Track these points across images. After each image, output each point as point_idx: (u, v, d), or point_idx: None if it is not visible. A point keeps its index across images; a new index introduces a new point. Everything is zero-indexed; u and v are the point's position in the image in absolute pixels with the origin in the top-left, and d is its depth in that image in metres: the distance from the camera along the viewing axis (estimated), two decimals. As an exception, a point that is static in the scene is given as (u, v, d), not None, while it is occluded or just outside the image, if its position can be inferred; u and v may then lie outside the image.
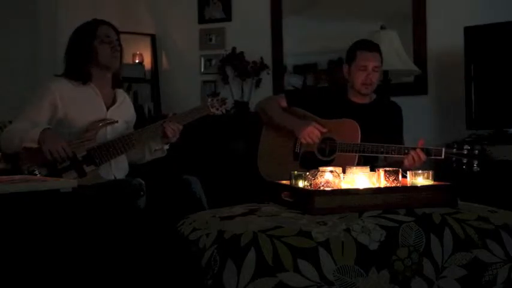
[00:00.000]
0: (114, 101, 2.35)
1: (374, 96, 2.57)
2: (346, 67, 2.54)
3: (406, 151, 2.23)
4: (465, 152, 2.14)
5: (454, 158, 2.16)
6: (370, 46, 2.49)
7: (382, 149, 2.27)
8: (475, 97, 2.91)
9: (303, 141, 2.39)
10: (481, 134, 2.89)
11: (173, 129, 2.25)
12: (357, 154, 2.31)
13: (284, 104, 2.57)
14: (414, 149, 2.21)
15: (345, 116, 2.40)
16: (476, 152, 2.13)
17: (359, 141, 2.32)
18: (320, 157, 2.40)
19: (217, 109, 2.36)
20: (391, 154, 2.26)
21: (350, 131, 2.35)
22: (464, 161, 2.14)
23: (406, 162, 2.21)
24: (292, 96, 2.63)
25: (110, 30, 2.29)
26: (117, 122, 2.27)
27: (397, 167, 2.33)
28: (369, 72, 2.44)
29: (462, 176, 2.23)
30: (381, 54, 2.50)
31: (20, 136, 2.06)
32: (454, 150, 2.16)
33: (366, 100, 2.53)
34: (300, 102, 2.56)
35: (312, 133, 2.36)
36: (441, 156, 2.18)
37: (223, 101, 2.38)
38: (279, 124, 2.49)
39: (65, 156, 2.07)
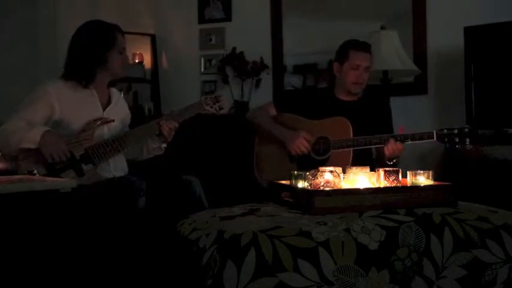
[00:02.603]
0: (109, 101, 2.35)
1: (361, 93, 2.61)
2: (337, 65, 2.57)
3: (399, 138, 2.28)
4: (455, 132, 2.20)
5: (446, 139, 2.21)
6: (363, 46, 2.54)
7: (375, 140, 2.32)
8: (475, 97, 2.91)
9: (294, 153, 2.42)
10: (481, 134, 2.89)
11: (169, 128, 2.25)
12: (351, 149, 2.35)
13: (274, 111, 2.63)
14: (405, 136, 2.27)
15: (333, 114, 2.45)
16: (466, 130, 2.20)
17: (351, 137, 2.37)
18: (315, 157, 2.42)
19: (211, 106, 2.35)
20: (385, 144, 2.31)
21: (342, 128, 2.39)
22: (457, 140, 2.20)
23: (387, 152, 2.28)
24: (281, 103, 2.68)
25: (124, 40, 2.29)
26: (113, 121, 2.27)
27: (382, 158, 2.38)
28: (360, 71, 2.49)
29: (462, 175, 2.23)
30: (371, 54, 2.56)
31: (19, 137, 2.05)
32: (445, 131, 2.22)
33: (354, 98, 2.58)
34: (289, 108, 2.60)
35: (301, 144, 2.40)
36: (433, 138, 2.23)
37: (216, 99, 2.37)
38: (269, 133, 2.54)
39: (64, 159, 2.08)
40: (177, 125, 2.27)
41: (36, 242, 1.55)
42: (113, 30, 2.25)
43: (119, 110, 2.39)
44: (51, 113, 2.15)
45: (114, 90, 2.43)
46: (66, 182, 1.74)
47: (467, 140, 2.19)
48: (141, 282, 1.86)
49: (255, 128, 2.64)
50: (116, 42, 2.23)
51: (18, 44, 3.73)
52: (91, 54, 2.20)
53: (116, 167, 2.28)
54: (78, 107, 2.20)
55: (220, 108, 2.41)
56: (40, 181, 1.73)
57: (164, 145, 2.35)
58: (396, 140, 2.28)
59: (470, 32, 2.94)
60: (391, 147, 2.26)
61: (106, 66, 2.24)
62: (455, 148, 2.21)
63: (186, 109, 2.32)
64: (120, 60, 2.26)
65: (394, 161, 2.37)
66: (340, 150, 2.37)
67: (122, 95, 2.53)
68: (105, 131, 2.25)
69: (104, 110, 2.29)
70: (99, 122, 2.20)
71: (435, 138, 2.22)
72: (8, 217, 1.50)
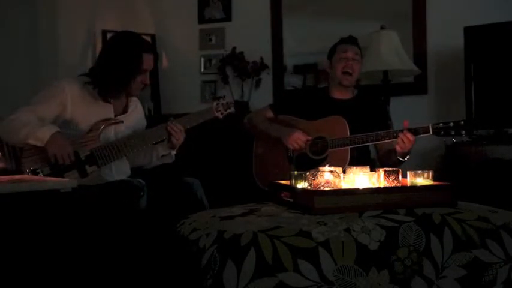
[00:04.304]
0: (125, 110, 2.33)
1: (355, 91, 2.63)
2: (327, 62, 2.63)
3: (395, 134, 2.27)
4: (451, 125, 2.19)
5: (442, 132, 2.21)
6: (349, 39, 2.59)
7: (372, 137, 2.32)
8: (475, 97, 2.91)
9: (291, 147, 2.43)
10: (481, 134, 2.89)
11: (176, 131, 2.22)
12: (349, 147, 2.35)
13: (270, 114, 2.65)
14: (402, 131, 2.24)
15: (329, 113, 2.46)
16: (462, 122, 2.19)
17: (348, 135, 2.37)
18: (313, 157, 2.43)
19: (222, 113, 2.36)
20: (382, 140, 2.31)
21: (338, 127, 2.41)
22: (452, 133, 2.19)
23: (398, 148, 2.25)
24: (277, 106, 2.71)
25: (152, 60, 2.23)
26: (122, 121, 2.26)
27: (390, 156, 2.37)
28: (348, 61, 2.52)
29: (462, 175, 2.23)
30: (359, 48, 2.59)
31: (28, 131, 2.04)
32: (441, 124, 2.21)
33: (347, 95, 2.60)
34: (285, 110, 2.63)
35: (298, 139, 2.41)
36: (429, 132, 2.22)
37: (228, 105, 2.37)
38: (267, 134, 2.55)
39: (68, 162, 2.07)
40: (182, 128, 2.24)
41: (36, 241, 1.55)
42: (142, 52, 2.18)
43: (132, 118, 2.36)
44: (62, 112, 2.16)
45: (133, 99, 2.40)
46: (66, 182, 1.74)
47: (463, 132, 2.18)
48: (141, 282, 1.86)
49: (252, 130, 2.65)
50: (142, 67, 2.18)
51: (18, 44, 3.73)
52: (117, 77, 2.16)
53: (118, 171, 2.27)
54: (89, 111, 2.19)
55: (230, 114, 2.40)
56: (40, 181, 1.73)
57: (174, 152, 2.33)
58: (393, 137, 2.26)
59: (470, 32, 2.95)
60: (400, 140, 2.22)
61: (127, 87, 2.23)
62: (453, 142, 2.19)
63: (195, 115, 2.30)
64: (141, 83, 2.23)
65: (408, 157, 2.32)
66: (338, 148, 2.37)
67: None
68: (111, 134, 2.24)
69: (115, 116, 2.27)
70: (105, 123, 2.20)
71: (431, 132, 2.21)
72: (8, 217, 1.50)
